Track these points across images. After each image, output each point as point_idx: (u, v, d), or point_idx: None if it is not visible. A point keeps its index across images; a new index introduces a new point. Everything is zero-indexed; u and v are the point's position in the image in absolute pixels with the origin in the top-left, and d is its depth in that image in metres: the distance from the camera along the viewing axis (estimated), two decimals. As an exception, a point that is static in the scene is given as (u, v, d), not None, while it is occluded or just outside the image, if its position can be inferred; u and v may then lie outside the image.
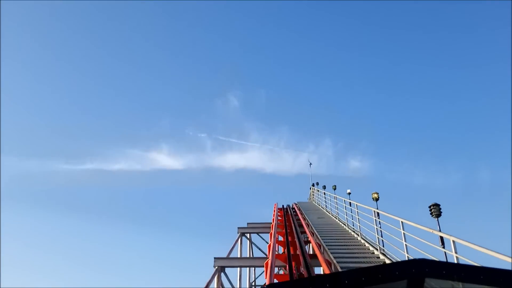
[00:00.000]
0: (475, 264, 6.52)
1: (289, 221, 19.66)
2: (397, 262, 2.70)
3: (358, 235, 15.02)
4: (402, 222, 10.38)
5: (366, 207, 14.08)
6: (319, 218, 21.40)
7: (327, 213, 23.24)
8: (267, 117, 56.02)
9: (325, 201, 24.85)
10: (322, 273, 10.67)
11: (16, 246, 50.11)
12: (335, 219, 20.41)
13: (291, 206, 27.07)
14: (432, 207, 8.94)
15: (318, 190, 29.60)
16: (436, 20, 50.10)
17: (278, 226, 17.59)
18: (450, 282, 3.03)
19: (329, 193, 23.30)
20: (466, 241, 7.28)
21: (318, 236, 15.31)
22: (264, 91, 54.14)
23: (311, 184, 35.15)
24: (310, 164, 40.78)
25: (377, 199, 13.19)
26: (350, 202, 17.02)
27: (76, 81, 54.94)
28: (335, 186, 23.40)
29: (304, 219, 20.49)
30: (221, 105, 52.56)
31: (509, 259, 6.00)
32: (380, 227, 12.45)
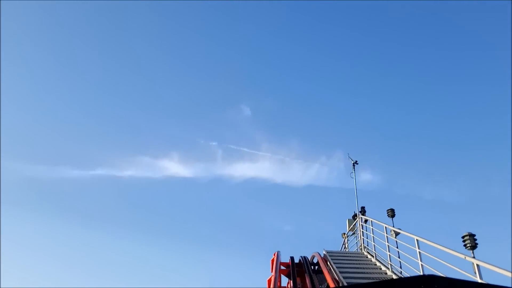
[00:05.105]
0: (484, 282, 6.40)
1: None
2: (406, 278, 2.74)
3: None
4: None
5: None
6: None
7: None
8: (278, 127, 56.12)
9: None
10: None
11: (23, 253, 50.69)
12: None
13: (311, 268, 11.40)
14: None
15: (394, 232, 10.68)
16: (451, 27, 49.84)
17: None
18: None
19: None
20: (488, 263, 7.09)
21: None
22: (276, 101, 54.43)
23: (358, 208, 15.12)
24: (355, 163, 16.50)
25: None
26: None
27: (85, 87, 55.81)
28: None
29: None
30: (233, 114, 53.00)
31: (509, 274, 5.79)
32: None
